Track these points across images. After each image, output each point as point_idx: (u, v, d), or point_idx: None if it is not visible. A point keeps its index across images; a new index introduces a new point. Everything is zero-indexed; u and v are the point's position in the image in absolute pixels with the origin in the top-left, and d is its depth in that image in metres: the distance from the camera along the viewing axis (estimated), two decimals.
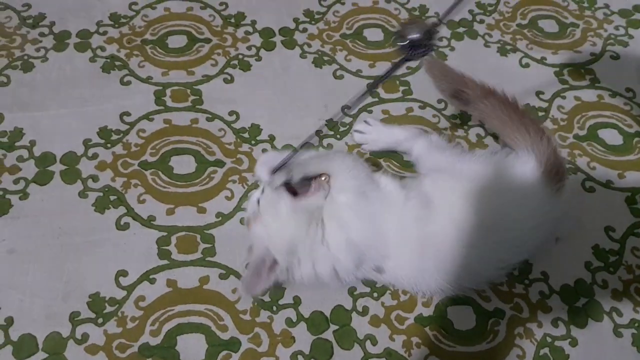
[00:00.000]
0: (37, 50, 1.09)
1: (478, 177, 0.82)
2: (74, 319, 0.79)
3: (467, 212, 0.78)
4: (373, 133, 0.97)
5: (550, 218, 0.82)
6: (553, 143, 0.86)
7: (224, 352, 0.78)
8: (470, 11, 1.23)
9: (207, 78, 1.07)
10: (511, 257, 0.81)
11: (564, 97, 1.09)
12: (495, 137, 1.01)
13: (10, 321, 0.78)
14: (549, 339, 0.81)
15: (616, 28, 1.22)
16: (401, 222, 0.78)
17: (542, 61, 1.15)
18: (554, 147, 0.86)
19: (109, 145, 0.96)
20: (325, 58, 1.12)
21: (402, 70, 1.11)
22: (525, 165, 0.84)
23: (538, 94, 1.09)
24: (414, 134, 0.94)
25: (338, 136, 1.00)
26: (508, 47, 1.17)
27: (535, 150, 0.85)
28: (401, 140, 0.94)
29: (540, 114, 1.06)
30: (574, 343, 0.81)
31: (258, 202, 0.80)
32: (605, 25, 1.22)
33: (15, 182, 0.91)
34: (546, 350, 0.80)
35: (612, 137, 1.04)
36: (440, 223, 0.77)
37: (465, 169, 0.84)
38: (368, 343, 0.80)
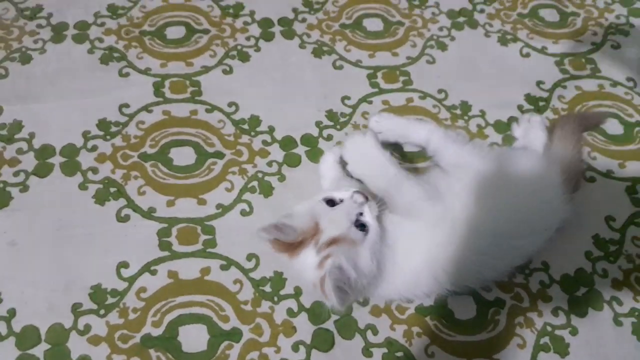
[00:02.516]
0: (35, 42, 1.08)
1: (497, 176, 0.82)
2: (76, 310, 0.79)
3: (484, 214, 0.77)
4: (389, 123, 0.96)
5: (558, 222, 0.84)
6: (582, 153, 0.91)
7: (226, 343, 0.78)
8: (471, 0, 1.22)
9: (206, 69, 1.07)
10: (519, 258, 0.82)
11: (564, 87, 1.09)
12: (496, 128, 1.01)
13: (12, 313, 0.79)
14: (549, 328, 0.81)
15: (617, 17, 1.21)
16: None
17: (542, 51, 1.14)
18: (582, 158, 0.91)
19: (108, 137, 0.96)
20: (325, 48, 1.11)
21: (402, 60, 1.11)
22: (549, 168, 0.85)
23: (539, 83, 1.08)
24: (430, 127, 0.94)
25: (338, 127, 1.00)
26: (509, 37, 1.16)
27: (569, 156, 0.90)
28: (417, 132, 0.94)
29: (541, 103, 1.05)
30: (574, 332, 0.82)
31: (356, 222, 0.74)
32: (606, 14, 1.22)
33: (16, 174, 0.91)
34: (546, 339, 0.81)
35: (613, 126, 1.04)
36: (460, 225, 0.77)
37: (484, 165, 0.84)
38: (369, 333, 0.80)
